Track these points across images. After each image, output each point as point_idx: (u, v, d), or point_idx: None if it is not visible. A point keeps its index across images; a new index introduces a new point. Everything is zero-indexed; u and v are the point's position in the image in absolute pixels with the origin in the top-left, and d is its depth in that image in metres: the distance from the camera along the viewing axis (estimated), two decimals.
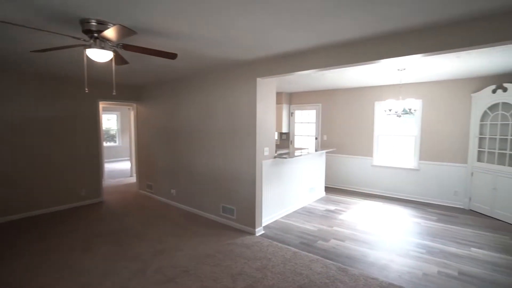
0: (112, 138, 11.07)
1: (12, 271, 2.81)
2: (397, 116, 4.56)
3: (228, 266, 2.91)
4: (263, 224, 3.98)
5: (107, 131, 10.95)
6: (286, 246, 3.37)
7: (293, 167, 4.68)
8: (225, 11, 1.93)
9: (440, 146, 5.16)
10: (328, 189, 6.13)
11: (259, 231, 3.79)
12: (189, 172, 4.72)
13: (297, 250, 3.28)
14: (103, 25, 2.09)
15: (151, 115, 5.59)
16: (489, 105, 4.49)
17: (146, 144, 5.77)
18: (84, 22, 2.06)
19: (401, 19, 2.08)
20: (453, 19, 2.07)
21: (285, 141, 7.58)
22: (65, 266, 2.92)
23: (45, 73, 4.32)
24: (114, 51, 2.34)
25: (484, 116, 4.59)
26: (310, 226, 4.07)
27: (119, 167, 9.31)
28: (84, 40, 2.15)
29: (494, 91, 4.39)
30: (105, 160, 9.37)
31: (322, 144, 6.74)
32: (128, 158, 9.22)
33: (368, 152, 6.05)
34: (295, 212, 4.69)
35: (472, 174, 4.78)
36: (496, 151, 4.39)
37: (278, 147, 6.64)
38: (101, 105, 6.39)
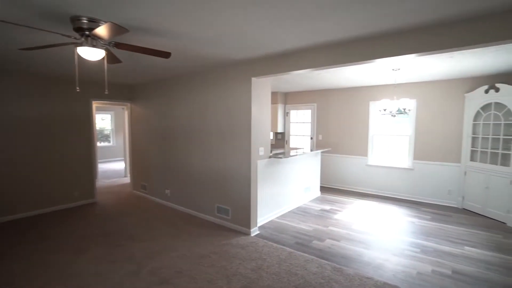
0: (106, 138, 10.95)
1: (1, 274, 2.74)
2: (392, 116, 4.59)
3: (223, 267, 2.89)
4: (258, 224, 3.96)
5: (101, 131, 10.83)
6: (281, 246, 3.36)
7: (288, 167, 4.67)
8: (219, 10, 1.90)
9: (434, 145, 5.20)
10: (323, 189, 6.14)
11: (254, 231, 3.77)
12: (184, 172, 4.69)
13: (292, 250, 3.27)
14: (94, 22, 2.05)
15: (145, 114, 5.53)
16: (481, 105, 4.54)
17: (140, 144, 5.71)
18: (75, 19, 2.02)
19: (395, 19, 2.08)
20: (447, 19, 2.08)
21: (280, 141, 7.58)
22: (57, 268, 2.86)
23: (36, 72, 4.24)
24: (106, 50, 2.30)
25: (477, 116, 4.64)
26: (305, 226, 4.06)
27: (113, 167, 9.21)
28: (75, 38, 2.11)
29: (486, 91, 4.44)
30: (99, 160, 9.27)
31: (317, 144, 6.75)
32: (122, 158, 9.13)
33: (363, 152, 6.08)
34: (290, 212, 4.68)
35: (465, 173, 4.83)
36: (489, 150, 4.44)
37: (273, 147, 6.63)
38: (95, 104, 6.31)
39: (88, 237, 3.64)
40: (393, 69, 4.14)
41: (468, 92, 4.77)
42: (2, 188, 4.20)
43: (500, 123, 4.31)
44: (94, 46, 2.12)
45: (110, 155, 10.64)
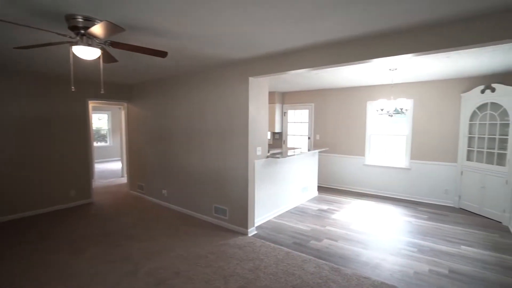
0: (103, 138, 10.89)
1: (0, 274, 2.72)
2: (389, 115, 4.60)
3: (220, 267, 2.88)
4: (256, 224, 3.96)
5: (98, 130, 10.76)
6: (279, 246, 3.36)
7: (286, 166, 4.67)
8: (217, 9, 1.89)
9: (431, 145, 5.23)
10: (321, 189, 6.14)
11: (252, 232, 3.76)
12: (181, 172, 4.67)
13: (289, 250, 3.27)
14: (89, 21, 2.03)
15: (142, 114, 5.50)
16: (478, 105, 4.56)
17: (137, 144, 5.68)
18: (70, 18, 2.00)
19: (392, 19, 2.08)
20: (444, 19, 2.08)
21: (278, 141, 7.58)
22: (54, 268, 2.84)
23: (31, 71, 4.20)
24: (102, 49, 2.28)
25: (473, 115, 4.67)
26: (303, 226, 4.06)
27: (110, 168, 9.16)
28: (70, 37, 2.09)
29: (482, 91, 4.47)
30: (96, 161, 9.20)
31: (315, 144, 6.76)
32: (119, 158, 9.09)
33: (361, 152, 6.09)
34: (288, 212, 4.68)
35: (461, 173, 4.86)
36: (485, 150, 4.46)
37: (271, 146, 6.62)
38: (91, 104, 6.28)
39: (85, 237, 3.61)
40: (390, 69, 4.15)
41: (464, 92, 4.80)
42: None
43: (496, 123, 4.33)
44: (89, 45, 2.11)
45: (107, 155, 10.58)
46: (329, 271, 2.79)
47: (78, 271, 2.80)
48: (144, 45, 2.69)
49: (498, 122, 4.29)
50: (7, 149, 4.23)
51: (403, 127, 5.62)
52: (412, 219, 4.34)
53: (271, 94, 6.95)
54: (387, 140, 5.92)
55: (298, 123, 7.30)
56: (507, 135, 4.17)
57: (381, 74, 4.62)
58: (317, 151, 5.61)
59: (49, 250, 3.26)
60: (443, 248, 3.34)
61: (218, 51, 3.06)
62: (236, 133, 3.77)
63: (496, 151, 4.32)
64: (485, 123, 4.48)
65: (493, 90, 4.33)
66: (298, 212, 4.66)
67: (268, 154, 4.21)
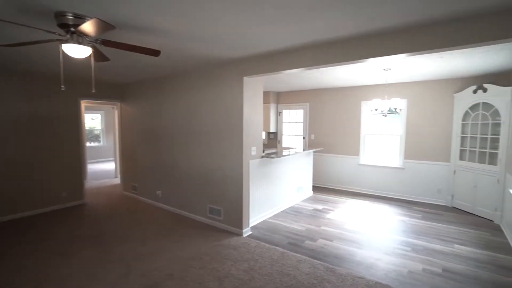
0: (96, 138, 10.75)
1: None
2: (383, 115, 4.62)
3: (215, 268, 2.85)
4: (251, 225, 3.94)
5: (91, 130, 10.62)
6: (274, 247, 3.34)
7: (280, 166, 4.65)
8: (209, 6, 1.87)
9: (424, 145, 5.27)
10: (315, 188, 6.15)
11: (247, 232, 3.74)
12: (175, 172, 4.62)
13: (284, 250, 3.25)
14: (80, 19, 1.99)
15: (135, 114, 5.44)
16: (470, 105, 4.61)
17: (131, 144, 5.61)
18: (59, 15, 1.95)
19: (386, 19, 2.08)
20: (437, 20, 2.09)
21: (272, 141, 7.57)
22: (44, 271, 2.77)
23: (19, 70, 4.12)
24: (93, 47, 2.23)
25: (466, 115, 4.72)
26: (298, 226, 4.05)
27: (103, 168, 9.04)
28: (60, 35, 2.04)
29: (475, 91, 4.52)
30: (89, 161, 9.07)
31: (309, 144, 6.76)
32: (113, 158, 8.98)
33: (355, 151, 6.11)
34: (283, 212, 4.67)
35: (454, 172, 4.91)
36: (477, 149, 4.51)
37: (265, 146, 6.63)
38: (84, 104, 6.19)
39: (76, 239, 3.54)
40: (384, 69, 4.17)
41: (457, 92, 4.84)
42: None
43: (488, 123, 4.38)
44: (80, 43, 2.06)
45: (100, 156, 10.45)
46: (324, 271, 2.78)
47: (69, 274, 2.74)
48: (136, 44, 2.65)
49: (490, 122, 4.35)
50: None
51: (397, 127, 5.66)
52: (406, 218, 4.37)
53: (266, 93, 6.93)
54: (382, 140, 5.96)
55: (293, 123, 7.30)
56: (498, 135, 4.22)
57: (376, 74, 4.64)
58: (312, 151, 5.61)
59: (38, 252, 3.19)
60: (437, 247, 3.37)
61: (212, 51, 3.03)
62: (231, 133, 3.74)
63: (488, 150, 4.37)
64: (477, 123, 4.53)
65: (485, 90, 4.38)
66: (293, 212, 4.65)
67: (263, 154, 4.19)
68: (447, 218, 4.38)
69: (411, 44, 2.30)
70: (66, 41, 2.03)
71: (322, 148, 6.23)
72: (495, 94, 4.23)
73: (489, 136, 4.36)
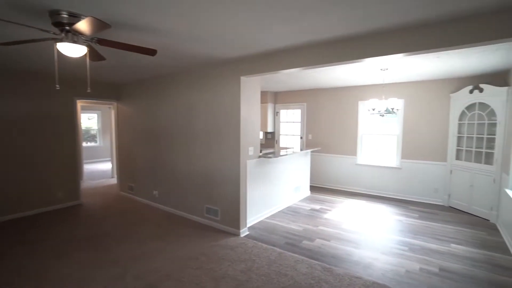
0: (93, 138, 10.68)
1: None
2: (380, 115, 4.63)
3: (212, 269, 2.84)
4: (248, 225, 3.93)
5: (88, 130, 10.55)
6: (271, 247, 3.33)
7: (278, 166, 4.65)
8: (208, 7, 1.85)
9: (421, 144, 5.29)
10: (313, 188, 6.15)
11: (244, 232, 3.73)
12: (172, 172, 4.60)
13: (282, 250, 3.25)
14: (75, 17, 1.96)
15: (132, 114, 5.40)
16: (466, 105, 4.63)
17: (128, 144, 5.58)
18: (54, 13, 1.92)
19: (383, 19, 2.08)
20: (436, 20, 2.09)
21: (270, 141, 7.56)
22: (39, 273, 2.74)
23: (14, 68, 4.07)
24: (89, 46, 2.21)
25: (462, 115, 4.74)
26: (295, 226, 4.05)
27: (100, 168, 8.98)
28: (54, 34, 2.01)
29: (471, 92, 4.54)
30: (85, 161, 9.02)
31: (307, 144, 6.77)
32: (109, 158, 8.92)
33: (352, 151, 6.12)
34: (280, 212, 4.66)
35: (451, 172, 4.93)
36: (473, 149, 4.54)
37: (263, 146, 6.60)
38: (80, 103, 6.14)
39: (71, 240, 3.51)
40: (381, 69, 4.18)
41: (453, 92, 4.87)
42: None
43: (484, 123, 4.41)
44: (75, 42, 2.04)
45: (97, 156, 10.38)
46: (322, 271, 2.78)
47: (64, 276, 2.71)
48: (132, 43, 2.63)
49: (486, 122, 4.37)
50: None
51: (394, 126, 5.67)
52: (403, 218, 4.38)
53: (263, 93, 6.92)
54: (379, 139, 5.97)
55: (290, 123, 7.29)
56: (494, 135, 4.24)
57: (373, 74, 4.65)
58: (309, 150, 5.61)
59: (33, 253, 3.16)
60: (434, 246, 3.38)
61: (209, 50, 3.02)
62: (228, 133, 3.73)
63: (484, 150, 4.39)
64: (474, 123, 4.56)
65: (481, 90, 4.40)
66: (291, 212, 4.65)
67: (261, 154, 4.18)
68: (444, 218, 4.40)
69: (408, 44, 2.30)
70: (61, 40, 2.01)
71: (319, 148, 6.24)
72: (491, 94, 4.26)
73: (485, 136, 4.38)
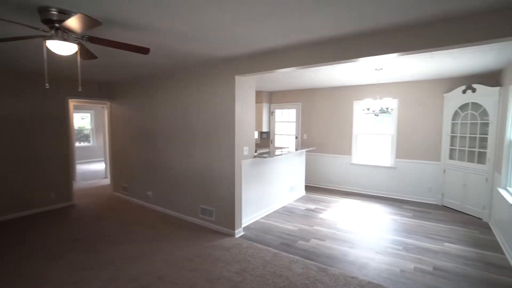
0: (86, 138, 10.53)
1: None
2: (375, 115, 4.65)
3: (206, 270, 2.81)
4: (243, 225, 3.90)
5: (81, 130, 10.40)
6: (266, 248, 3.32)
7: (273, 166, 4.63)
8: (202, 4, 1.82)
9: (415, 144, 5.33)
10: (308, 188, 6.16)
11: (239, 233, 3.71)
12: (166, 173, 4.55)
13: (277, 251, 3.23)
14: (65, 14, 1.92)
15: (125, 113, 5.33)
16: (459, 104, 4.68)
17: (121, 144, 5.50)
18: (43, 10, 1.87)
19: (378, 18, 2.07)
20: (427, 20, 2.10)
21: (265, 140, 7.55)
22: (30, 276, 2.68)
23: (3, 66, 3.97)
24: (79, 44, 2.16)
25: (455, 115, 4.78)
26: (290, 226, 4.04)
27: (93, 168, 8.86)
28: (44, 31, 1.96)
29: (464, 92, 4.58)
30: (79, 161, 8.89)
31: (302, 143, 6.77)
32: (103, 159, 8.81)
33: (347, 151, 6.14)
34: (275, 212, 4.65)
35: (444, 171, 4.97)
36: (466, 149, 4.58)
37: (258, 146, 6.59)
38: (73, 103, 6.05)
39: (64, 242, 3.45)
40: (376, 69, 4.19)
41: (447, 92, 4.91)
42: None
43: (477, 123, 4.45)
44: (65, 39, 1.98)
45: (90, 156, 10.24)
46: (317, 272, 2.77)
47: (55, 279, 2.65)
48: (125, 41, 2.58)
49: (479, 121, 4.42)
50: None
51: (388, 126, 5.70)
52: (398, 217, 4.40)
53: (258, 93, 6.90)
54: (373, 139, 6.00)
55: (285, 123, 7.29)
56: (487, 134, 4.29)
57: (367, 74, 4.66)
58: (304, 150, 5.61)
59: (24, 256, 3.09)
60: (427, 245, 3.40)
61: (203, 49, 2.98)
62: (223, 133, 3.70)
63: (477, 149, 4.44)
64: (467, 123, 4.60)
65: (473, 90, 4.44)
66: (286, 212, 4.64)
67: (255, 153, 4.16)
68: (437, 217, 4.44)
69: (402, 43, 2.30)
70: (51, 38, 1.96)
71: (314, 148, 6.24)
72: (483, 94, 4.30)
73: (478, 136, 4.43)
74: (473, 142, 4.52)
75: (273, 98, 7.27)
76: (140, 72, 4.35)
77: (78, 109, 9.63)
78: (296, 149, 5.49)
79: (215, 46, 2.89)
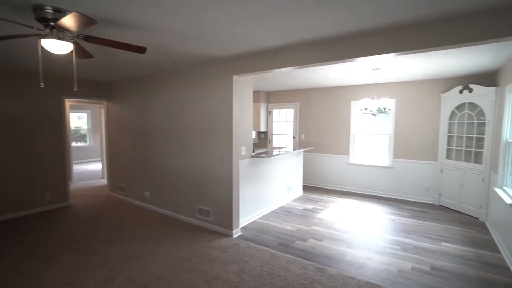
0: (82, 138, 10.46)
1: None
2: (372, 115, 4.65)
3: (204, 271, 2.79)
4: (241, 225, 3.89)
5: (77, 130, 10.33)
6: (264, 248, 3.30)
7: (271, 166, 4.62)
8: (199, 4, 1.80)
9: (413, 144, 5.34)
10: (306, 188, 6.16)
11: (237, 233, 3.69)
12: (163, 173, 4.52)
13: (275, 251, 3.22)
14: (60, 13, 1.89)
15: (122, 113, 5.30)
16: (456, 104, 4.70)
17: (118, 144, 5.47)
18: (37, 8, 1.85)
19: (376, 18, 2.07)
20: (425, 20, 2.09)
21: (263, 140, 7.54)
22: (25, 277, 2.65)
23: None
24: (75, 43, 2.13)
25: (452, 115, 4.80)
26: (288, 226, 4.03)
27: (90, 169, 8.80)
28: (38, 29, 1.94)
29: (461, 92, 4.60)
30: (75, 161, 8.82)
31: (300, 143, 6.76)
32: (100, 159, 8.75)
33: (345, 151, 6.15)
34: (273, 212, 4.64)
35: (441, 171, 4.99)
36: (463, 148, 4.60)
37: (256, 146, 6.58)
38: (69, 102, 5.99)
39: (59, 243, 3.41)
40: (373, 69, 4.19)
41: (444, 92, 4.93)
42: None
43: (473, 122, 4.47)
44: (60, 38, 1.96)
45: (87, 156, 10.18)
46: (314, 272, 2.76)
47: (51, 280, 2.62)
48: (121, 40, 2.55)
49: (475, 121, 4.44)
50: None
51: (386, 126, 5.72)
52: (395, 217, 4.41)
53: (256, 93, 6.89)
54: (371, 139, 6.01)
55: (283, 123, 7.28)
56: (483, 134, 4.31)
57: (365, 74, 4.67)
58: (302, 150, 5.60)
59: (19, 257, 3.05)
60: (425, 245, 3.41)
61: (203, 49, 2.96)
62: (220, 133, 3.68)
63: (473, 149, 4.46)
64: (463, 123, 4.62)
65: (470, 90, 4.46)
66: (284, 212, 4.63)
67: (253, 153, 4.15)
68: (435, 216, 4.45)
69: (401, 43, 2.30)
70: (45, 36, 1.93)
71: (312, 148, 6.24)
72: (480, 94, 4.32)
73: (474, 136, 4.45)
74: (470, 142, 4.54)
75: (271, 98, 7.26)
76: (138, 71, 4.32)
77: (74, 108, 9.57)
78: (294, 149, 5.48)
79: (214, 46, 2.87)
